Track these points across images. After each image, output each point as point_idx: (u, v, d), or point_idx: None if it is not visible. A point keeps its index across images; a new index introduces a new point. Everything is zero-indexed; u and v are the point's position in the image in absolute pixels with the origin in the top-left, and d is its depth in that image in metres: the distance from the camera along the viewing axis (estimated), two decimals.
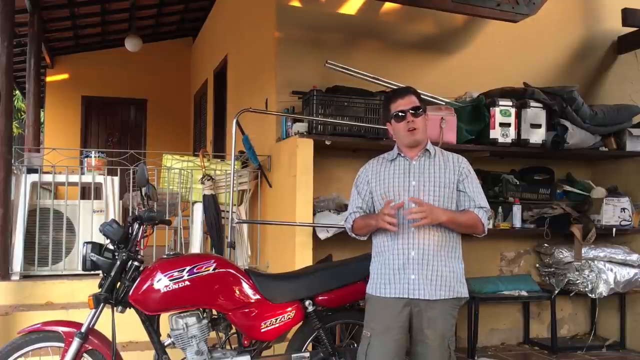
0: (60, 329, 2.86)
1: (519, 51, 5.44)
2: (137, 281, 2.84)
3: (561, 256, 4.99)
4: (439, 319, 2.64)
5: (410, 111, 2.71)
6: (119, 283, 2.87)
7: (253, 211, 5.14)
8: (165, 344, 2.94)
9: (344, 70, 4.49)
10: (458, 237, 2.79)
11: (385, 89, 4.67)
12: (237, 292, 2.93)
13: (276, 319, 2.95)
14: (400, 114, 2.72)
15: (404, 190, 2.70)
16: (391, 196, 2.70)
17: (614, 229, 4.93)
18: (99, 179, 4.77)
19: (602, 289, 4.82)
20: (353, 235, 2.88)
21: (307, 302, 3.01)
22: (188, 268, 2.84)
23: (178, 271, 2.83)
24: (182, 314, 2.90)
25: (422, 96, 2.86)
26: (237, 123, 4.33)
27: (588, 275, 4.84)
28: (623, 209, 4.99)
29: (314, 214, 4.26)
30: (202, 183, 4.73)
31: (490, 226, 4.75)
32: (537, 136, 4.77)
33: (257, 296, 2.96)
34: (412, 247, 2.65)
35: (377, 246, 2.80)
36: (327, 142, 4.28)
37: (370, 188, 2.81)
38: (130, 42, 8.31)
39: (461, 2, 4.56)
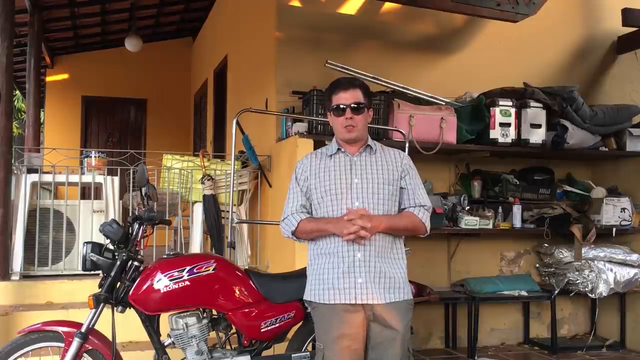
0: (60, 329, 2.86)
1: (519, 51, 5.45)
2: (137, 281, 2.84)
3: (561, 256, 4.99)
4: (395, 321, 2.48)
5: (351, 106, 2.52)
6: (119, 283, 2.87)
7: (253, 211, 5.14)
8: (165, 344, 2.94)
9: (344, 70, 4.49)
10: (401, 237, 2.63)
11: (386, 89, 4.68)
12: (237, 292, 2.93)
13: (276, 319, 2.95)
14: (340, 106, 2.54)
15: (347, 188, 2.53)
16: (333, 194, 2.53)
17: (614, 229, 4.93)
18: (99, 179, 4.77)
19: (602, 289, 4.82)
20: (292, 237, 2.65)
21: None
22: (188, 268, 2.84)
23: (178, 271, 2.83)
24: (182, 314, 2.90)
25: (370, 90, 2.66)
26: (237, 123, 4.32)
27: (588, 275, 4.84)
28: (623, 209, 4.99)
29: None
30: (202, 183, 4.73)
31: (490, 226, 4.75)
32: (537, 136, 4.77)
33: (257, 296, 2.95)
34: (358, 249, 2.47)
35: (317, 248, 2.60)
36: (327, 142, 4.27)
37: (308, 184, 2.61)
38: (130, 42, 8.31)
39: (461, 2, 4.57)
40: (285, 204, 2.68)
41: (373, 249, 2.49)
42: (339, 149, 2.63)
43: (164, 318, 2.96)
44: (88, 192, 5.02)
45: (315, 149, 4.22)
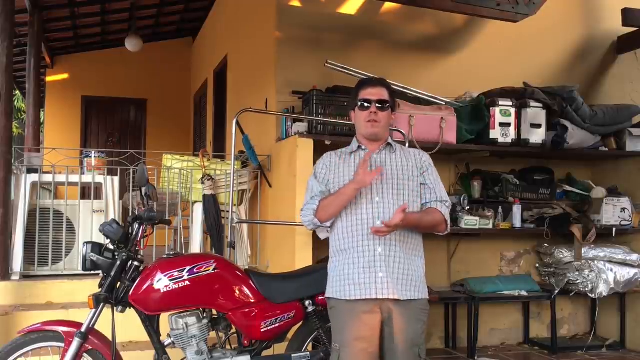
0: (60, 329, 2.86)
1: (519, 51, 5.45)
2: (137, 281, 2.84)
3: (561, 256, 4.99)
4: (408, 325, 2.50)
5: (376, 103, 2.58)
6: (119, 283, 2.87)
7: (253, 211, 5.14)
8: (165, 344, 2.94)
9: (344, 70, 4.49)
10: (421, 236, 2.66)
11: None
12: (237, 292, 2.93)
13: (276, 319, 2.95)
14: (365, 103, 2.59)
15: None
16: None
17: (614, 229, 4.93)
18: (99, 179, 4.77)
19: (602, 289, 4.82)
20: (316, 224, 2.61)
21: (307, 302, 3.01)
22: (188, 268, 2.84)
23: (178, 271, 2.83)
24: (182, 314, 2.90)
25: (394, 90, 2.68)
26: (237, 123, 4.33)
27: (588, 275, 4.84)
28: (623, 209, 4.99)
29: None
30: (202, 183, 4.73)
31: (490, 226, 4.75)
32: (537, 136, 4.77)
33: (257, 296, 2.95)
34: (379, 243, 2.49)
35: (337, 244, 2.61)
36: (327, 142, 4.28)
37: (327, 180, 2.64)
38: (130, 42, 8.31)
39: (461, 2, 4.56)
40: (305, 197, 2.69)
41: (394, 243, 2.51)
42: (359, 147, 2.66)
43: (164, 318, 2.96)
44: (88, 192, 5.02)
45: (315, 149, 4.24)
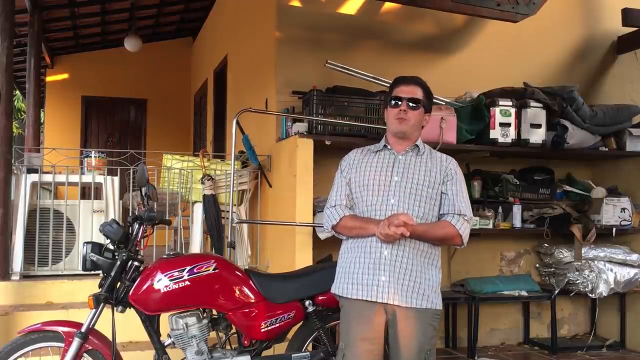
0: (60, 329, 2.86)
1: (519, 51, 5.44)
2: (137, 281, 2.84)
3: (561, 256, 4.99)
4: (415, 330, 2.42)
5: (408, 101, 2.54)
6: (119, 283, 2.87)
7: (253, 211, 5.14)
8: (165, 344, 2.94)
9: (344, 70, 4.49)
10: (438, 245, 2.56)
11: (385, 89, 4.67)
12: (237, 292, 2.93)
13: (276, 319, 2.95)
14: (396, 99, 2.55)
15: (385, 185, 2.50)
16: (370, 189, 2.52)
17: (614, 229, 4.93)
18: (99, 179, 4.77)
19: (602, 289, 4.82)
20: (331, 232, 2.63)
21: (307, 302, 3.01)
22: (188, 268, 2.84)
23: (178, 271, 2.83)
24: (182, 314, 2.90)
25: (432, 94, 2.68)
26: (237, 123, 4.33)
27: (588, 275, 4.84)
28: (623, 209, 4.99)
29: (314, 214, 4.26)
30: (202, 183, 4.73)
31: (490, 226, 4.75)
32: (537, 136, 4.76)
33: (257, 296, 2.95)
34: (386, 246, 2.43)
35: (348, 242, 2.59)
36: (327, 142, 4.29)
37: (349, 177, 2.60)
38: (130, 42, 8.31)
39: (461, 2, 4.56)
40: (331, 193, 2.67)
41: (404, 248, 2.44)
42: (385, 146, 2.62)
43: (164, 318, 2.96)
44: (88, 192, 5.02)
45: (315, 149, 4.25)
